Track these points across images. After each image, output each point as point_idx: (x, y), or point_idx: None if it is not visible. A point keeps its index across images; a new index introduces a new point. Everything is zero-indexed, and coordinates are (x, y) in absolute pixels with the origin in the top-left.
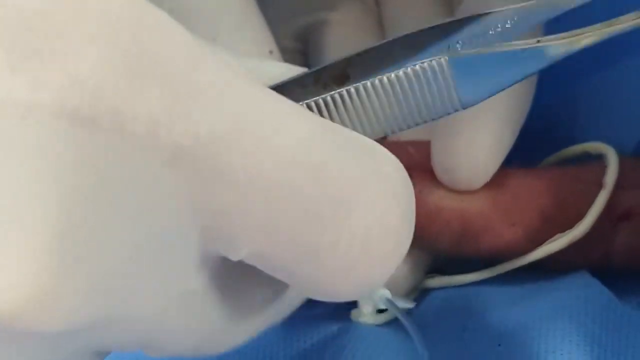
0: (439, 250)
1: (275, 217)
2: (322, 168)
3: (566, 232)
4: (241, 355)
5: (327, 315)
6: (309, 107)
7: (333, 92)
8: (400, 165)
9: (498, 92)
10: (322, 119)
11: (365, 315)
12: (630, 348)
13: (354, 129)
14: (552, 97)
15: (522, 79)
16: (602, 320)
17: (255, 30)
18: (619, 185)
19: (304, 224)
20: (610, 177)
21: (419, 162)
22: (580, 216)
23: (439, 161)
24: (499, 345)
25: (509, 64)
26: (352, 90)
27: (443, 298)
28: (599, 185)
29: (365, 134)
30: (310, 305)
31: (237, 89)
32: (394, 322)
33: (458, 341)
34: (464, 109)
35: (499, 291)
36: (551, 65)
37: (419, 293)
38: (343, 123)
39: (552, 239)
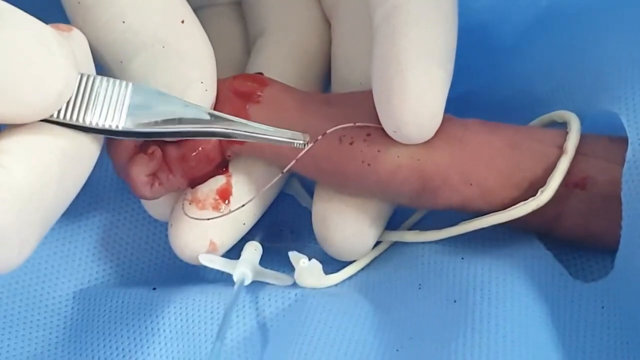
0: (400, 204)
1: None
2: None
3: (529, 199)
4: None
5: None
6: None
7: None
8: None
9: None
10: None
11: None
12: (582, 322)
13: None
14: (527, 71)
15: None
16: (554, 294)
17: (164, 2)
18: (579, 151)
19: None
20: (572, 141)
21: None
22: (537, 178)
23: (387, 126)
24: (455, 301)
25: None
26: None
27: (402, 252)
28: (559, 148)
29: None
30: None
31: None
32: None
33: (414, 296)
34: None
35: (454, 251)
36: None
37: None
38: None
39: (517, 205)
